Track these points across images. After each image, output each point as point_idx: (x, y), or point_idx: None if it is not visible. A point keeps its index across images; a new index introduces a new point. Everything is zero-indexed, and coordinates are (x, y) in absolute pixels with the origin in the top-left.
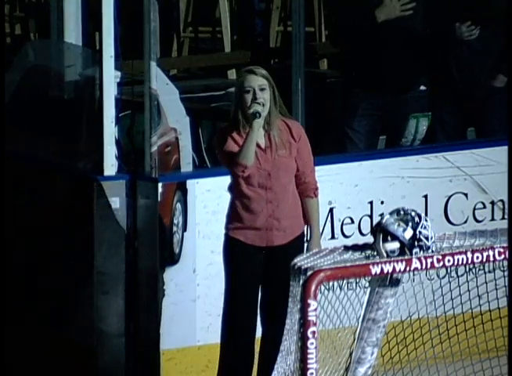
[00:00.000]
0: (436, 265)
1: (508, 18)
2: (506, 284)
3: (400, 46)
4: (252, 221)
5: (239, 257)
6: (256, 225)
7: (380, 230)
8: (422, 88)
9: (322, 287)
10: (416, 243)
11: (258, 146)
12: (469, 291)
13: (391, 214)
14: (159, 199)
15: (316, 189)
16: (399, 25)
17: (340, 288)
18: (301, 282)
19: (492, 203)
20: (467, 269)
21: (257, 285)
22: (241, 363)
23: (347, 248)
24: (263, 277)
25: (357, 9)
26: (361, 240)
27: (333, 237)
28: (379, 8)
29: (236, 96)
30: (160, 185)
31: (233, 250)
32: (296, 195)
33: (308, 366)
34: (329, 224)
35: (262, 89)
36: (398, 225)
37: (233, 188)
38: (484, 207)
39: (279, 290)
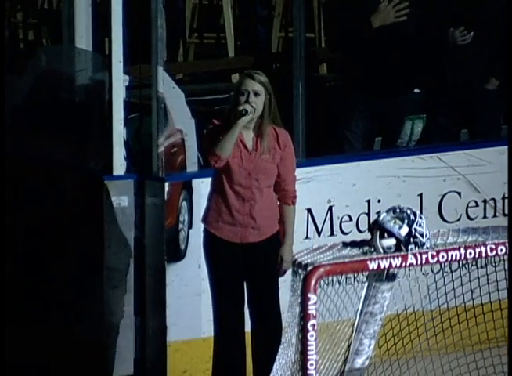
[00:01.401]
0: (431, 260)
1: (508, 18)
2: (498, 279)
3: (395, 50)
4: (229, 217)
5: (217, 252)
6: (232, 222)
7: (377, 227)
8: (416, 90)
9: (322, 282)
10: (411, 239)
11: (245, 147)
12: (462, 285)
13: (387, 212)
14: (165, 198)
15: (294, 197)
16: (394, 30)
17: (339, 283)
18: (302, 277)
19: (485, 201)
20: (460, 265)
21: (238, 279)
22: (231, 355)
23: (345, 245)
24: (242, 272)
25: (354, 15)
26: (359, 237)
27: (332, 234)
28: (374, 14)
29: (233, 97)
30: (166, 184)
31: (211, 244)
32: (273, 198)
33: (309, 357)
34: (328, 221)
35: (256, 94)
36: (395, 222)
37: (214, 183)
38: (477, 205)
39: (258, 285)
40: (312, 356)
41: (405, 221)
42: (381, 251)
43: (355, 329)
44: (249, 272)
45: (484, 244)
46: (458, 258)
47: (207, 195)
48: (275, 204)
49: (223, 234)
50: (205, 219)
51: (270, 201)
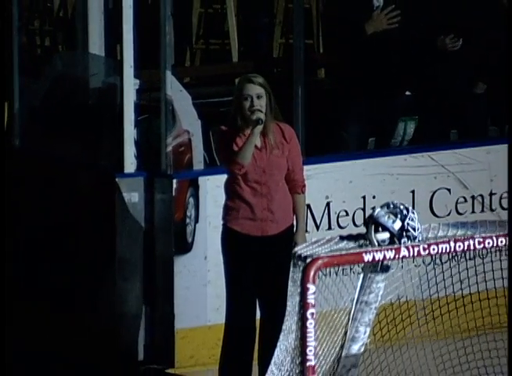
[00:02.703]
0: (422, 253)
1: (508, 18)
2: (485, 270)
3: (388, 56)
4: (248, 213)
5: (236, 246)
6: (252, 217)
7: (372, 222)
8: (407, 93)
9: (320, 273)
10: (404, 233)
11: (255, 146)
12: (451, 276)
13: (381, 207)
14: (173, 194)
15: (303, 186)
16: (387, 37)
17: (336, 274)
18: (301, 268)
19: (473, 197)
20: (450, 257)
21: (254, 270)
22: (242, 342)
23: (342, 238)
24: (258, 264)
25: (349, 23)
26: (355, 231)
27: (329, 228)
28: (368, 22)
29: (234, 102)
30: (174, 181)
31: (230, 239)
32: (286, 190)
33: (308, 343)
34: (326, 216)
35: (259, 97)
36: (388, 217)
37: (230, 183)
38: (466, 201)
39: (273, 275)
40: (311, 342)
41: (399, 216)
42: (376, 244)
43: (351, 317)
44: (265, 262)
45: (473, 238)
46: (448, 250)
47: (212, 192)
48: (289, 196)
49: (244, 229)
50: (225, 217)
51: (285, 194)
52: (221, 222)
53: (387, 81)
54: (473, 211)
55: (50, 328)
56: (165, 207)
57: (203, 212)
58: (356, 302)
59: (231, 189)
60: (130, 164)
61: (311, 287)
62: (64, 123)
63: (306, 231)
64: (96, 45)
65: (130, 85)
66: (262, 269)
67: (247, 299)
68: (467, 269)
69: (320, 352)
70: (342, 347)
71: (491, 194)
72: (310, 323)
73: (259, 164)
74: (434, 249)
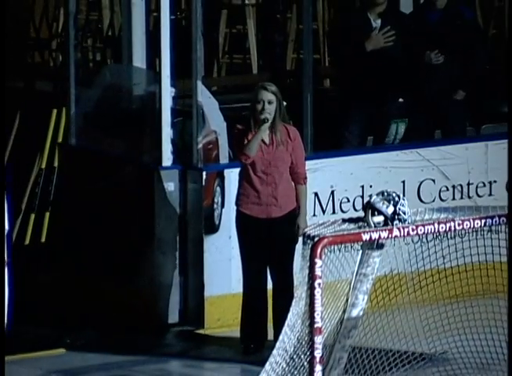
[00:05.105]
0: (411, 233)
1: (509, 19)
2: (464, 248)
3: (384, 68)
4: (256, 198)
5: (247, 226)
6: (259, 202)
7: (369, 207)
8: (400, 100)
9: (326, 250)
10: (396, 216)
11: (264, 142)
12: (436, 252)
13: (377, 195)
14: (203, 184)
15: (305, 178)
16: (383, 52)
17: (339, 250)
18: (310, 246)
19: (453, 187)
20: (434, 236)
21: (263, 247)
22: (255, 306)
23: (344, 221)
24: (266, 241)
25: (351, 41)
26: (355, 215)
27: (333, 212)
28: (367, 40)
29: (251, 105)
30: (204, 173)
31: (242, 221)
32: (289, 181)
33: (315, 309)
34: (331, 202)
35: (270, 102)
36: (383, 203)
37: (242, 173)
38: (447, 189)
39: (279, 251)
40: (318, 307)
41: (392, 202)
42: (372, 225)
43: (351, 286)
44: (272, 241)
45: (453, 220)
46: (432, 231)
47: (236, 182)
48: (292, 185)
49: (253, 212)
50: (237, 202)
51: (287, 183)
52: (235, 207)
53: (383, 89)
54: (453, 198)
55: (101, 295)
56: (196, 194)
57: (228, 199)
58: (356, 274)
59: (242, 179)
60: (167, 158)
61: (319, 262)
62: (112, 125)
63: (314, 215)
64: (139, 59)
65: (167, 93)
66: (270, 245)
67: (258, 270)
68: (449, 246)
69: (326, 316)
70: (344, 311)
71: (468, 184)
72: (317, 292)
73: (266, 158)
74: (421, 230)
